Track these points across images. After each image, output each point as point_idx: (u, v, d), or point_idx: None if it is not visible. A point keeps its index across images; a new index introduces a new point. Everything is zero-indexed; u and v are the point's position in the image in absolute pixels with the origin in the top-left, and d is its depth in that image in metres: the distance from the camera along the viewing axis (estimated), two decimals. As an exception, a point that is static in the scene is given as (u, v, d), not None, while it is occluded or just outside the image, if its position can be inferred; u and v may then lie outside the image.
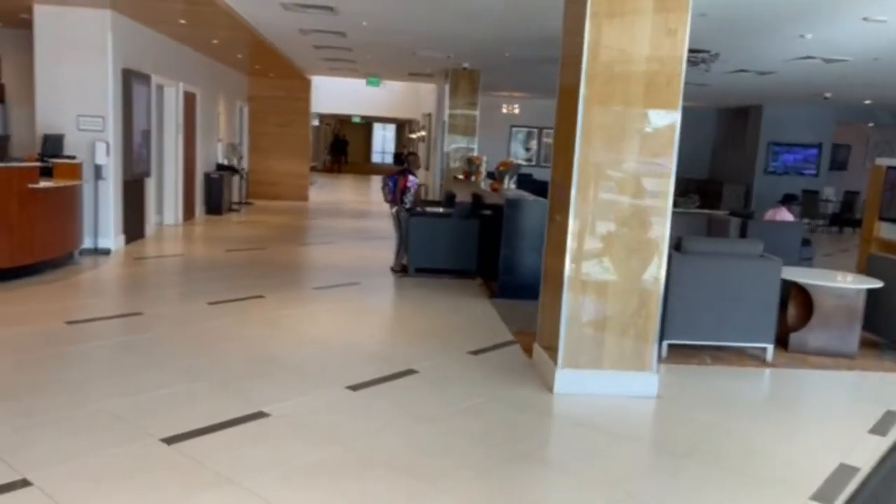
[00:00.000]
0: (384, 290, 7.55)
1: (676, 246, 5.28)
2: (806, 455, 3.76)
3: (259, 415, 3.83)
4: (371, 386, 4.38)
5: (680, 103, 4.33)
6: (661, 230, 4.41)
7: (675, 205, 4.44)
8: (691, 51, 4.44)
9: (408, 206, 8.31)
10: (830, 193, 16.82)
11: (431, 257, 8.13)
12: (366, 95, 22.49)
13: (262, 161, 16.69)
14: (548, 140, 20.42)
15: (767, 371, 5.25)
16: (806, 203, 16.66)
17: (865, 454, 3.75)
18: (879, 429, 4.14)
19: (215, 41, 10.84)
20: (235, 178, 14.81)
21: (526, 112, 19.91)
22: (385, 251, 9.18)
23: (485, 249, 8.04)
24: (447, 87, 13.87)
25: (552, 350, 4.62)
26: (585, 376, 4.48)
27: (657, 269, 4.43)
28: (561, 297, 4.45)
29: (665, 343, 5.23)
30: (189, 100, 11.64)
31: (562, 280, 4.44)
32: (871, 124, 19.44)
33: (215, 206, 12.92)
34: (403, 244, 8.28)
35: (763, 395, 4.92)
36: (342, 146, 37.90)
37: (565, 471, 3.45)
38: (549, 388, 4.49)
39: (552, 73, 4.84)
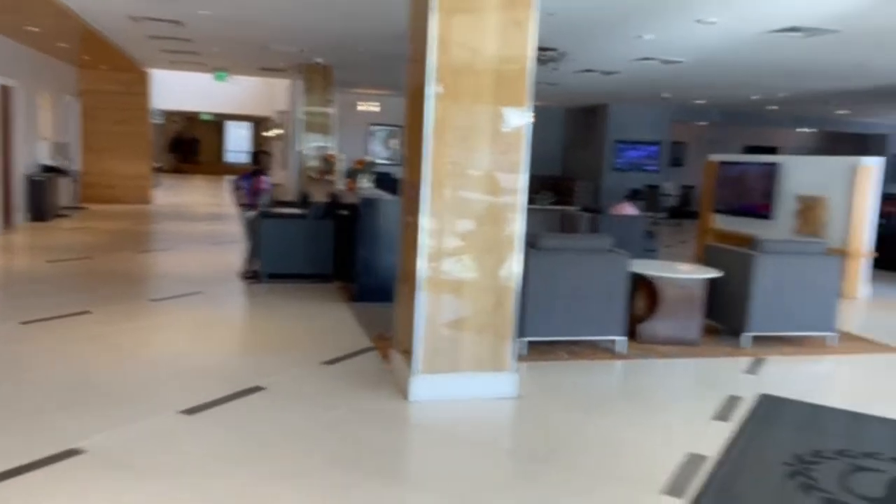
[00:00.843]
0: (231, 299, 7.03)
1: (531, 242, 5.25)
2: (657, 447, 3.80)
3: (70, 453, 3.31)
4: (209, 408, 3.96)
5: (530, 101, 4.27)
6: (517, 227, 4.33)
7: (530, 202, 4.38)
8: (540, 49, 4.38)
9: (262, 209, 7.82)
10: (670, 188, 17.98)
11: (285, 261, 7.70)
12: (216, 91, 21.26)
13: (97, 162, 15.29)
14: (407, 138, 20.35)
15: (619, 363, 5.35)
16: (648, 197, 17.71)
17: (712, 441, 3.85)
18: (723, 414, 4.29)
19: (34, 28, 9.70)
20: (65, 181, 13.44)
21: (386, 110, 19.68)
22: (235, 256, 8.61)
23: (342, 251, 7.72)
24: (301, 84, 13.35)
25: (409, 355, 4.42)
26: (443, 380, 4.31)
27: (513, 267, 4.34)
28: (416, 299, 4.25)
29: (523, 341, 5.19)
30: (4, 93, 10.36)
31: (417, 280, 4.24)
32: (704, 123, 21.03)
33: (40, 211, 11.63)
34: (255, 248, 7.78)
35: (616, 387, 4.99)
36: (189, 145, 35.94)
37: (424, 487, 3.25)
38: (406, 396, 4.28)
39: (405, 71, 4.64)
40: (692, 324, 5.81)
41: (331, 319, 6.22)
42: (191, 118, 34.09)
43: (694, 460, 3.59)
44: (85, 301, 6.28)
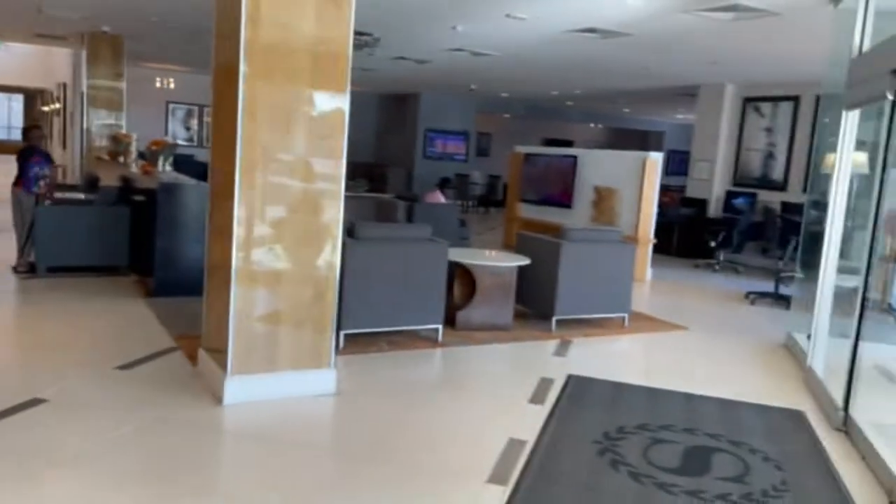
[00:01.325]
0: (2, 297, 6.08)
1: (349, 231, 5.10)
2: (479, 436, 3.84)
3: None
4: (-26, 430, 3.36)
5: (348, 85, 4.10)
6: (335, 215, 4.15)
7: (346, 189, 4.21)
8: (356, 33, 4.21)
9: (38, 191, 6.86)
10: (477, 177, 18.65)
11: (68, 252, 6.82)
12: (-21, 57, 18.53)
13: None
14: (209, 119, 19.13)
15: (439, 351, 5.38)
16: (458, 186, 18.25)
17: (530, 425, 3.97)
18: (538, 397, 4.46)
19: None
20: None
21: (184, 88, 18.29)
22: (7, 249, 7.49)
23: (139, 241, 7.00)
24: (84, 54, 11.95)
25: (220, 354, 4.07)
26: (259, 381, 4.03)
27: (332, 256, 4.16)
28: (228, 293, 3.92)
29: (342, 334, 5.03)
30: None
31: (229, 272, 3.91)
32: (507, 115, 22.08)
33: None
34: (30, 237, 6.81)
35: (436, 377, 5.01)
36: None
37: (240, 499, 2.98)
38: (219, 400, 3.95)
39: (209, 46, 4.24)
40: (505, 310, 6.01)
41: (125, 317, 5.61)
42: (-54, 86, 29.42)
43: (515, 445, 3.67)
44: None
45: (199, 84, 18.30)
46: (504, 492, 3.16)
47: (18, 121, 35.28)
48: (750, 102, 11.79)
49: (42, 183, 6.95)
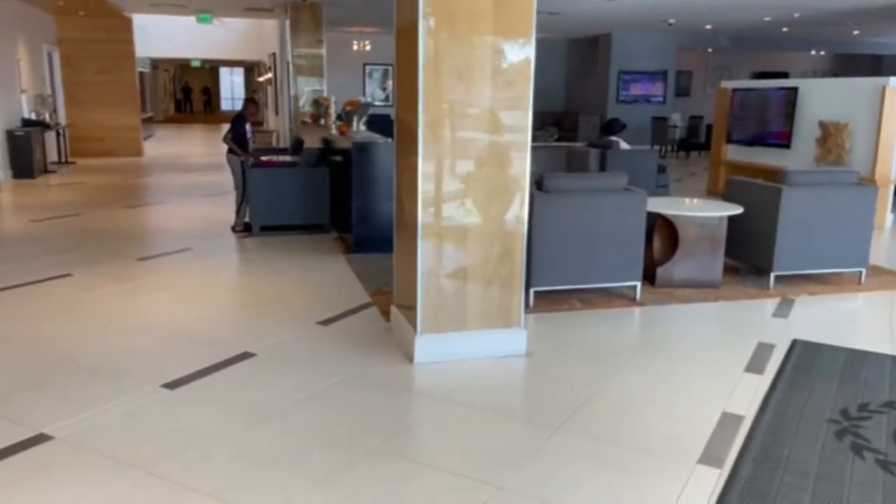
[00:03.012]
0: (222, 255, 6.64)
1: (537, 184, 4.83)
2: (686, 407, 3.46)
3: (37, 439, 2.98)
4: (194, 380, 3.62)
5: (533, 29, 3.78)
6: (522, 167, 3.90)
7: (533, 139, 3.94)
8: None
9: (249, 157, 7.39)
10: (677, 119, 17.31)
11: (278, 212, 7.29)
12: (205, 36, 20.49)
13: (82, 114, 14.73)
14: (404, 78, 19.60)
15: (637, 311, 4.98)
16: (655, 130, 17.10)
17: (746, 398, 3.51)
18: (755, 365, 3.94)
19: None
20: (50, 135, 12.93)
21: (379, 49, 18.87)
22: (228, 209, 8.19)
23: (338, 200, 7.30)
24: (288, 24, 12.66)
25: (410, 311, 4.05)
26: (448, 340, 3.96)
27: (520, 211, 3.93)
28: (416, 250, 3.86)
29: (531, 291, 4.81)
30: (-27, 44, 9.76)
31: (416, 229, 3.84)
32: (710, 50, 20.18)
33: (24, 168, 11.17)
34: (245, 199, 7.36)
35: (635, 338, 4.63)
36: (187, 94, 35.19)
37: (430, 464, 2.92)
38: (410, 358, 3.94)
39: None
40: (713, 265, 5.42)
41: (326, 274, 5.85)
42: (184, 66, 33.15)
43: (730, 421, 3.25)
44: (68, 263, 5.92)
45: (390, 45, 18.82)
46: (719, 475, 2.78)
47: (240, 92, 38.98)
48: None
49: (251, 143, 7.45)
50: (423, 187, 3.79)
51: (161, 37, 19.68)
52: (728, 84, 10.70)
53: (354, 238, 6.50)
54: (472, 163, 3.84)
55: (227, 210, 8.29)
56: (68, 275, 5.57)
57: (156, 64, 25.99)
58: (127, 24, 15.08)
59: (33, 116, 12.18)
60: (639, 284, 5.10)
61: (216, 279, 5.78)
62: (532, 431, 3.20)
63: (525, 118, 3.87)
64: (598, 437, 3.13)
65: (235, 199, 7.48)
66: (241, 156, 7.36)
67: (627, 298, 5.14)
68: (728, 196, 5.91)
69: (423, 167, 3.77)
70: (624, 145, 8.94)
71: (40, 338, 4.24)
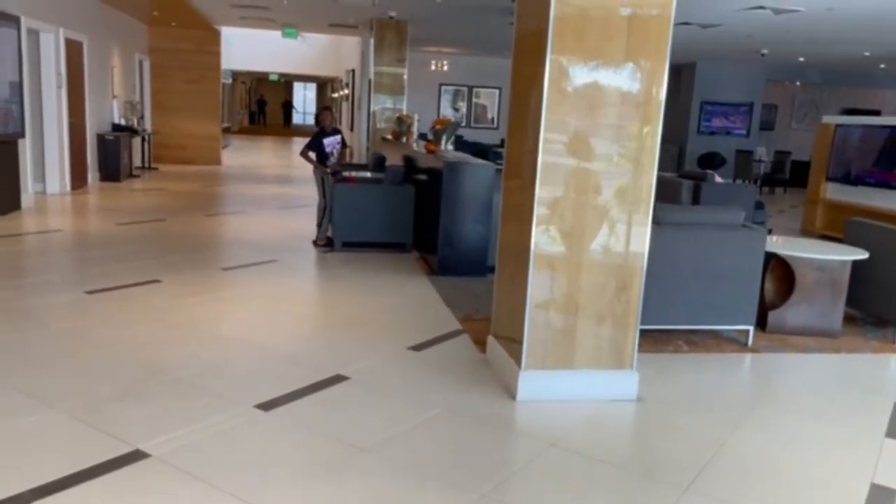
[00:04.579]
0: (306, 270, 6.54)
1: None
2: (826, 475, 3.08)
3: (133, 456, 2.84)
4: (287, 402, 3.45)
5: (668, 51, 3.53)
6: (646, 198, 3.62)
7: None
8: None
9: (330, 169, 7.31)
10: (762, 154, 16.65)
11: (361, 229, 7.17)
12: (284, 51, 20.93)
13: (167, 121, 15.12)
14: (477, 100, 19.52)
15: (749, 357, 4.61)
16: (739, 163, 16.47)
17: (894, 467, 3.11)
18: (898, 431, 3.53)
19: (101, -20, 9.34)
20: (136, 141, 13.28)
21: (455, 69, 18.89)
22: (308, 222, 8.14)
23: (421, 219, 7.13)
24: (372, 41, 12.71)
25: (512, 345, 3.80)
26: (554, 378, 3.68)
27: (641, 244, 3.65)
28: (524, 280, 3.61)
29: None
30: (73, 49, 10.09)
31: (526, 258, 3.59)
32: (798, 83, 19.44)
33: (112, 171, 11.46)
34: (328, 214, 7.28)
35: (752, 389, 4.25)
36: (261, 106, 36.08)
37: (546, 518, 2.64)
38: (511, 394, 3.68)
39: (488, 23, 4.01)
40: (833, 312, 4.99)
41: (413, 296, 5.65)
42: (260, 79, 34.03)
43: (882, 495, 2.87)
44: (155, 269, 5.90)
45: (468, 65, 18.78)
46: (886, 564, 2.42)
47: (311, 107, 39.78)
48: None
49: (333, 157, 7.36)
50: (538, 213, 3.55)
51: (242, 50, 20.18)
52: (830, 119, 10.15)
53: (440, 260, 6.30)
54: (592, 190, 3.58)
55: (304, 223, 8.24)
56: (157, 281, 5.54)
57: (234, 76, 26.72)
58: (215, 37, 15.46)
59: (123, 122, 12.53)
60: (751, 329, 4.72)
61: (303, 294, 5.65)
62: (656, 489, 2.89)
63: (653, 146, 3.60)
64: (726, 502, 2.79)
65: (317, 213, 7.40)
66: (320, 170, 7.29)
67: (738, 343, 4.77)
68: (848, 238, 5.46)
69: (540, 192, 3.53)
70: (718, 178, 8.54)
71: (134, 345, 4.15)
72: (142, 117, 13.89)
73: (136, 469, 2.76)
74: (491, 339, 4.20)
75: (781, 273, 5.14)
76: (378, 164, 8.75)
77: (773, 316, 5.04)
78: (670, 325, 4.66)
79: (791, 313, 5.01)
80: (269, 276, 6.03)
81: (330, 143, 7.38)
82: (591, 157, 3.55)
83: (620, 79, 3.51)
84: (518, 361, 3.68)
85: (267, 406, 3.38)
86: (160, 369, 3.78)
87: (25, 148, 8.53)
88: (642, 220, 3.64)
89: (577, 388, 3.69)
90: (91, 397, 3.38)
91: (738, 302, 4.64)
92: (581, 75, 3.47)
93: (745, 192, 8.45)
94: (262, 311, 5.01)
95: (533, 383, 3.65)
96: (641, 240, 3.65)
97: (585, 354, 3.70)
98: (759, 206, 8.38)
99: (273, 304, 5.22)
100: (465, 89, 19.52)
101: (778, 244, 5.10)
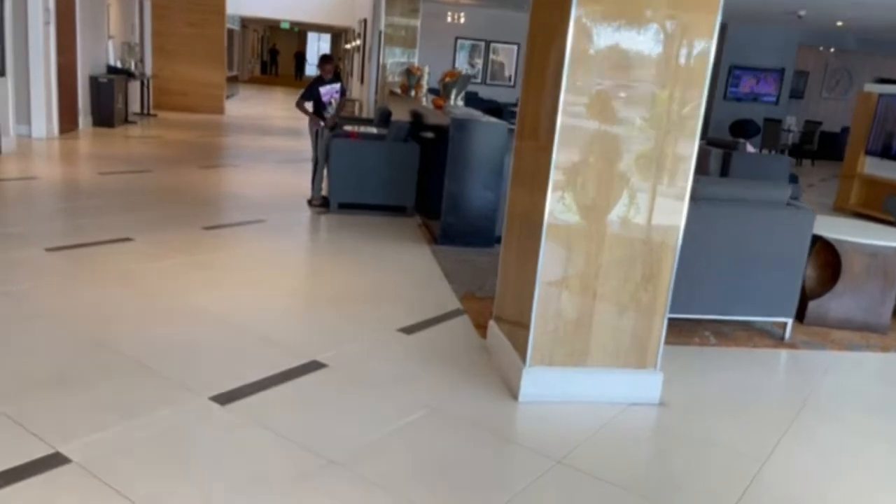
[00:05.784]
0: (296, 233, 6.00)
1: (681, 188, 3.92)
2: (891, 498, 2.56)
3: (49, 462, 2.34)
4: (250, 395, 2.94)
5: (720, 4, 2.93)
6: (684, 169, 3.04)
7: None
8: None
9: (327, 123, 6.71)
10: (792, 123, 15.82)
11: (359, 190, 6.59)
12: (296, -2, 20.09)
13: (168, 66, 14.46)
14: (495, 56, 18.67)
15: (785, 354, 4.06)
16: (767, 133, 15.67)
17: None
18: (970, 457, 2.98)
19: None
20: (135, 86, 12.65)
21: (472, 22, 17.98)
22: (305, 178, 7.57)
23: (425, 181, 6.55)
24: (384, -13, 11.95)
25: (517, 333, 3.27)
26: (563, 377, 3.15)
27: (676, 223, 3.08)
28: (534, 255, 3.05)
29: (661, 318, 3.94)
30: (64, -16, 9.41)
31: (537, 230, 3.03)
32: (832, 49, 18.45)
33: (105, 116, 10.87)
34: (319, 170, 6.71)
35: (791, 393, 3.69)
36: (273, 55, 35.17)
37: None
38: (513, 393, 3.16)
39: None
40: (882, 305, 4.42)
41: (410, 267, 5.11)
42: (273, 28, 33.08)
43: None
44: (129, 225, 5.37)
45: (486, 18, 17.87)
46: None
47: (326, 59, 38.76)
48: None
49: (331, 108, 6.77)
50: (555, 178, 2.97)
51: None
52: (874, 88, 9.39)
53: (443, 227, 5.74)
54: (620, 157, 2.99)
55: (303, 179, 7.67)
56: (128, 239, 5.01)
57: (245, 23, 25.84)
58: (220, -22, 14.68)
59: (119, 65, 11.89)
60: (790, 322, 4.16)
61: (287, 262, 5.11)
62: (684, 528, 2.37)
63: (695, 112, 3.00)
64: (780, 552, 2.28)
65: (314, 170, 6.84)
66: (316, 122, 6.70)
67: (772, 337, 4.21)
68: (889, 216, 4.85)
69: (558, 156, 2.95)
70: (750, 148, 7.87)
71: (84, 317, 3.63)
72: (141, 60, 13.23)
73: (50, 479, 2.26)
74: (492, 325, 3.66)
75: (825, 258, 4.55)
76: (384, 119, 8.13)
77: (813, 306, 4.47)
78: (698, 314, 4.10)
79: (834, 304, 4.44)
80: (254, 239, 5.49)
81: (327, 91, 6.76)
82: (617, 120, 2.95)
83: (657, 33, 2.90)
84: (522, 355, 3.15)
85: (224, 399, 2.88)
86: (109, 347, 3.27)
87: (6, 88, 7.95)
88: (679, 195, 3.06)
89: (591, 389, 3.16)
90: (17, 381, 2.88)
91: (778, 291, 4.07)
92: (610, 27, 2.86)
93: (778, 163, 7.77)
94: (237, 280, 4.48)
95: (539, 382, 3.12)
96: (676, 218, 3.07)
97: (602, 350, 3.16)
98: (793, 179, 7.72)
99: (252, 271, 4.69)
100: (482, 44, 18.64)
101: (823, 225, 4.50)
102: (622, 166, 3.00)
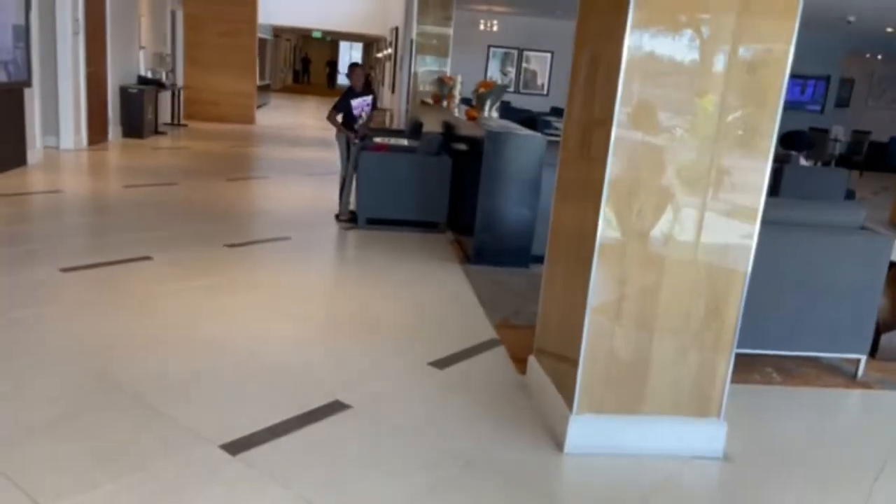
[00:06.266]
0: (321, 251, 5.72)
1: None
2: None
3: (31, 533, 2.07)
4: (265, 442, 2.63)
5: (799, 4, 2.56)
6: (755, 189, 2.69)
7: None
8: None
9: (356, 135, 6.44)
10: (839, 133, 15.19)
11: (388, 205, 6.31)
12: (327, 6, 20.00)
13: (199, 76, 14.39)
14: (527, 65, 18.34)
15: (858, 394, 3.64)
16: (814, 143, 15.04)
17: None
18: None
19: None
20: (166, 96, 12.59)
21: (505, 31, 17.67)
22: (334, 191, 7.31)
23: (458, 197, 6.23)
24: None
25: (560, 372, 2.93)
26: (615, 425, 2.80)
27: (746, 251, 2.71)
28: (583, 280, 2.71)
29: (719, 354, 3.55)
30: (95, -6, 9.34)
31: (589, 251, 2.68)
32: (879, 57, 17.74)
33: (135, 127, 10.77)
34: (347, 184, 6.44)
35: (871, 445, 3.26)
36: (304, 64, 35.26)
37: None
38: (558, 443, 2.81)
39: None
40: (966, 340, 3.97)
41: (441, 290, 4.79)
42: (305, 37, 33.20)
43: None
44: (149, 242, 5.15)
45: (519, 26, 17.56)
46: None
47: (358, 68, 38.79)
48: None
49: (361, 120, 6.49)
50: (609, 194, 2.62)
51: (284, 4, 19.29)
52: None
53: (476, 245, 5.41)
54: (680, 174, 2.64)
55: (332, 192, 7.41)
56: (147, 258, 4.78)
57: (277, 32, 25.91)
58: (252, -12, 14.61)
59: (150, 75, 11.82)
60: (864, 358, 3.74)
61: (309, 284, 4.80)
62: None
63: (770, 126, 2.64)
64: None
65: (341, 183, 6.57)
66: (346, 135, 6.43)
67: (842, 374, 3.80)
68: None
69: (613, 170, 2.60)
70: (803, 161, 7.41)
71: (91, 347, 3.38)
72: (172, 70, 13.18)
73: (32, 550, 1.99)
74: (532, 361, 3.31)
75: (900, 286, 4.11)
76: (415, 130, 7.85)
77: (886, 339, 4.04)
78: (759, 349, 3.70)
79: (910, 338, 4.00)
80: (277, 258, 5.22)
81: (358, 104, 6.50)
82: (678, 133, 2.60)
83: (727, 41, 2.55)
84: (569, 399, 2.81)
85: (236, 447, 2.58)
86: (113, 382, 3.00)
87: (34, 98, 7.85)
88: (749, 217, 2.70)
89: (645, 439, 2.80)
90: (12, 424, 2.62)
91: (849, 324, 3.66)
92: (672, 33, 2.52)
93: (834, 177, 7.30)
94: (255, 305, 4.19)
95: (587, 431, 2.77)
96: (746, 243, 2.71)
97: (658, 396, 2.80)
98: (850, 194, 7.25)
99: (271, 295, 4.40)
100: (515, 52, 18.32)
101: (900, 250, 4.07)
102: (684, 183, 2.65)
